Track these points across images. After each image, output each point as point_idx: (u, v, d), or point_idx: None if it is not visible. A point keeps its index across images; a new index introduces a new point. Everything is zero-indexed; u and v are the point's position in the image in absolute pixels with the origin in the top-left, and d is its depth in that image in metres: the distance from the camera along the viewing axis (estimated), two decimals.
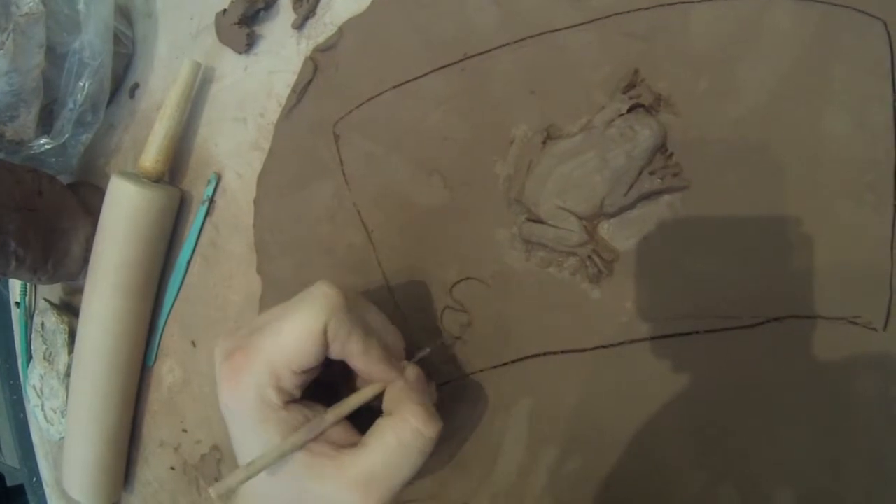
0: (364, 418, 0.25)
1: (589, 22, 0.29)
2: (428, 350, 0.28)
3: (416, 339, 0.31)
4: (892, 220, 0.25)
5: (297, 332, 0.23)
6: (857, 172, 0.25)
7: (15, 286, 0.51)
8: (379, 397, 0.26)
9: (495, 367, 0.30)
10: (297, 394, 0.25)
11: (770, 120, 0.26)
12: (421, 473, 0.26)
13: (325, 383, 0.27)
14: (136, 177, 0.38)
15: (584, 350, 0.28)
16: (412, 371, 0.26)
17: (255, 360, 0.24)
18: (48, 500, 0.51)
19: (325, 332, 0.23)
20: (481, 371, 0.30)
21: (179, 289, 0.40)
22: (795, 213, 0.26)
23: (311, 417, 0.25)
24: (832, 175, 0.25)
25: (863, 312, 0.24)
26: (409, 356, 0.27)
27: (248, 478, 0.23)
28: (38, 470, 0.53)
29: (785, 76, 0.26)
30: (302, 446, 0.24)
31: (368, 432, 0.24)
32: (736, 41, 0.27)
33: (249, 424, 0.24)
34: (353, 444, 0.24)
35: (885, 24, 0.25)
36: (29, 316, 0.49)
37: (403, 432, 0.24)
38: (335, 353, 0.24)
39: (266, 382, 0.24)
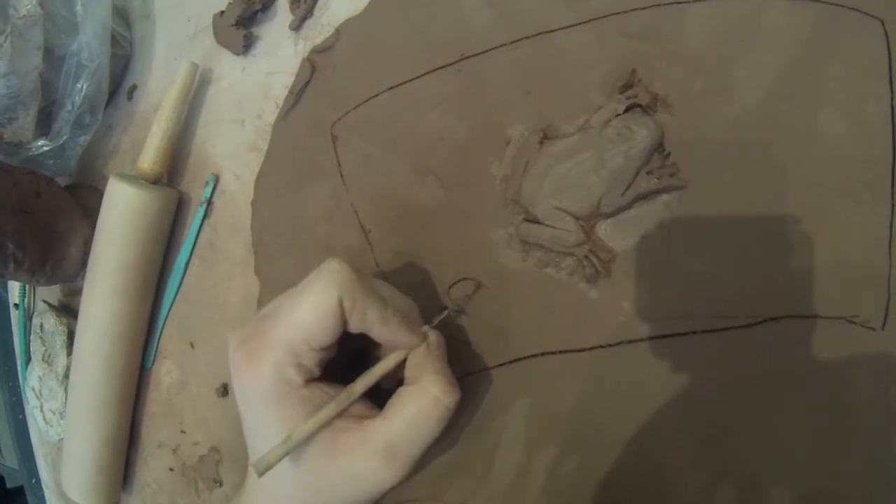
0: (380, 394, 0.26)
1: (585, 22, 0.29)
2: (446, 312, 0.28)
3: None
4: (889, 219, 0.24)
5: (313, 308, 0.23)
6: (855, 172, 0.25)
7: (14, 288, 0.51)
8: (400, 366, 0.26)
9: (493, 367, 0.30)
10: (317, 372, 0.25)
11: (766, 119, 0.26)
12: (420, 470, 0.26)
13: (338, 370, 0.27)
14: (135, 178, 0.38)
15: (581, 350, 0.28)
16: (434, 335, 0.26)
17: (272, 341, 0.24)
18: (47, 502, 0.51)
19: (340, 306, 0.24)
20: (479, 371, 0.30)
21: (178, 290, 0.40)
22: (792, 213, 0.26)
23: (333, 394, 0.25)
24: (829, 174, 0.25)
25: (861, 312, 0.24)
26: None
27: (287, 453, 0.23)
28: (37, 471, 0.53)
29: (781, 75, 0.26)
30: (338, 416, 0.24)
31: (389, 402, 0.25)
32: (732, 41, 0.27)
33: (270, 407, 0.24)
34: (373, 416, 0.25)
35: (882, 23, 0.25)
36: (28, 318, 0.49)
37: (424, 401, 0.24)
38: (355, 324, 0.24)
39: (286, 361, 0.24)
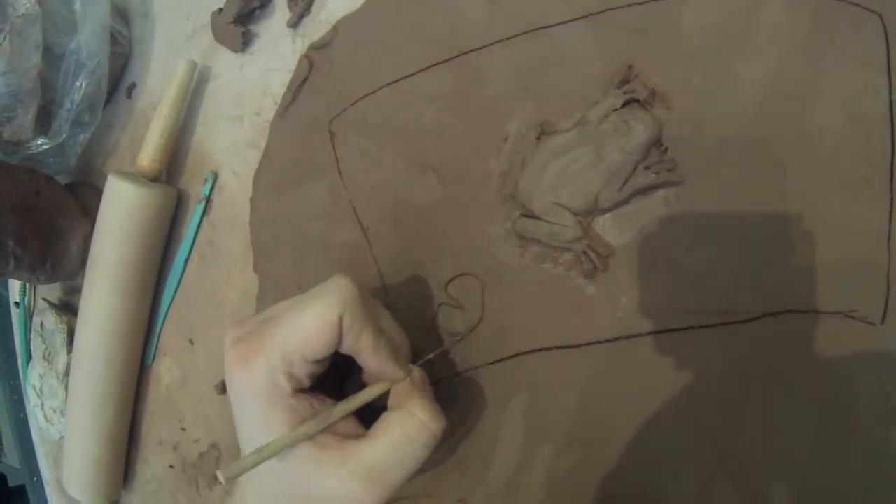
0: (367, 414, 0.26)
1: (582, 17, 0.29)
2: (433, 354, 0.28)
3: (411, 336, 0.31)
4: (888, 213, 0.24)
5: (314, 320, 0.24)
6: (853, 166, 0.25)
7: (14, 286, 0.51)
8: (384, 396, 0.26)
9: (491, 363, 0.30)
10: (307, 383, 0.25)
11: (765, 114, 0.26)
12: (419, 470, 0.26)
13: (328, 382, 0.27)
14: (134, 176, 0.38)
15: (579, 346, 0.28)
16: (417, 373, 0.26)
17: (269, 345, 0.24)
18: (49, 500, 0.52)
19: (339, 323, 0.24)
20: (476, 368, 0.30)
21: (177, 288, 0.40)
22: (791, 208, 0.25)
23: (319, 408, 0.25)
24: (828, 169, 0.25)
25: (860, 307, 0.24)
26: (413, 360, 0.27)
27: (257, 463, 0.23)
28: (38, 470, 0.53)
29: (779, 70, 0.26)
30: (311, 437, 0.24)
31: (375, 425, 0.25)
32: (730, 35, 0.27)
33: (257, 409, 0.24)
34: (359, 437, 0.25)
35: (881, 17, 0.25)
36: (28, 316, 0.49)
37: (410, 426, 0.24)
38: (348, 345, 0.24)
39: (278, 367, 0.24)
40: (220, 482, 0.23)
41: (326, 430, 0.24)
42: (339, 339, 0.24)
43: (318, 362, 0.25)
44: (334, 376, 0.27)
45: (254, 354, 0.24)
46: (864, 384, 0.24)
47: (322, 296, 0.24)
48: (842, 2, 0.25)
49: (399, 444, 0.24)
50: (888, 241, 0.24)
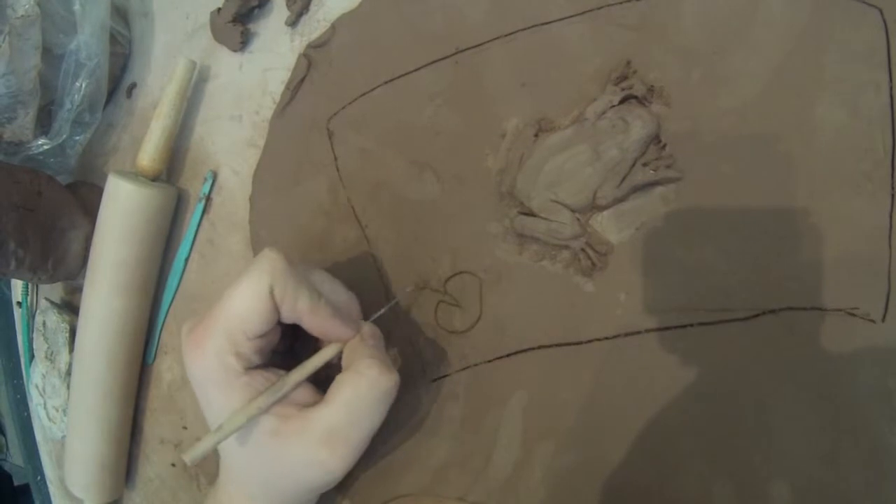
0: (329, 382, 0.26)
1: (580, 14, 0.29)
2: (383, 310, 0.28)
3: (407, 333, 0.31)
4: (889, 209, 0.24)
5: (245, 296, 0.24)
6: (854, 161, 0.25)
7: (17, 286, 0.51)
8: (340, 358, 0.26)
9: (489, 361, 0.30)
10: (257, 359, 0.26)
11: (764, 110, 0.26)
12: (417, 464, 0.26)
13: (291, 360, 0.27)
14: (134, 175, 0.38)
15: (578, 343, 0.28)
16: (368, 328, 0.27)
17: (213, 329, 0.25)
18: (52, 499, 0.52)
19: (271, 294, 0.24)
20: (475, 365, 0.30)
21: (178, 286, 0.40)
22: (790, 204, 0.25)
23: (276, 382, 0.25)
24: (828, 165, 0.25)
25: (861, 304, 0.24)
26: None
27: (218, 442, 0.24)
28: (42, 468, 0.53)
29: (779, 65, 0.26)
30: (267, 409, 0.25)
31: (329, 388, 0.25)
32: (729, 31, 0.27)
33: (214, 392, 0.25)
34: (318, 404, 0.25)
35: (881, 11, 0.25)
36: (31, 315, 0.50)
37: (359, 385, 0.24)
38: (286, 314, 0.25)
39: (225, 349, 0.25)
40: (186, 464, 0.24)
41: (285, 402, 0.25)
42: (275, 310, 0.25)
43: (263, 337, 0.25)
44: (298, 353, 0.28)
45: (203, 340, 0.25)
46: (864, 382, 0.24)
47: (251, 272, 0.25)
48: None
49: (352, 404, 0.24)
50: (889, 237, 0.24)
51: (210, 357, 0.25)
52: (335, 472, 0.25)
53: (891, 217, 0.24)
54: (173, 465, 0.41)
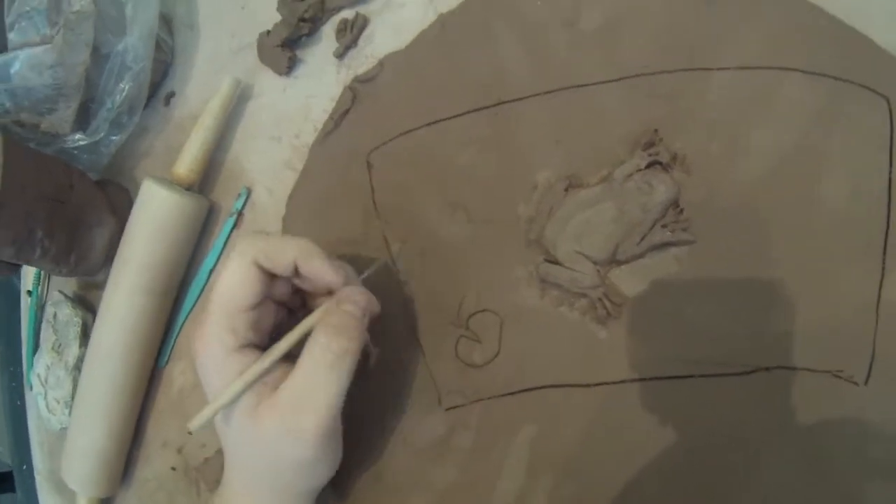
0: None
1: (616, 80, 0.31)
2: (369, 271, 0.29)
3: (428, 363, 0.33)
4: (878, 282, 0.27)
5: (231, 272, 0.26)
6: (851, 237, 0.27)
7: (28, 274, 0.51)
8: None
9: (503, 395, 0.31)
10: (252, 336, 0.27)
11: (774, 184, 0.28)
12: (424, 486, 0.27)
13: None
14: (169, 182, 0.39)
15: (587, 385, 0.30)
16: (346, 292, 0.27)
17: (210, 311, 0.27)
18: (38, 489, 0.51)
19: (255, 265, 0.26)
20: (489, 398, 0.31)
21: (199, 295, 0.41)
22: (790, 273, 0.28)
23: (269, 350, 0.27)
24: (828, 238, 0.27)
25: (846, 367, 0.26)
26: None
27: (217, 411, 0.26)
28: (30, 457, 0.53)
29: (792, 144, 0.28)
30: (263, 374, 0.26)
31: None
32: (751, 108, 0.29)
33: (214, 372, 0.27)
34: None
35: (888, 101, 0.27)
36: (40, 306, 0.50)
37: (313, 351, 0.25)
38: (281, 268, 0.27)
39: (221, 326, 0.26)
40: (189, 432, 0.26)
41: (262, 382, 0.26)
42: (263, 279, 0.27)
43: (255, 309, 0.27)
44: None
45: (203, 326, 0.27)
46: (844, 441, 0.26)
47: (232, 252, 0.27)
48: (854, 84, 0.28)
49: (311, 370, 0.25)
50: (877, 309, 0.27)
51: (211, 338, 0.26)
52: (307, 439, 0.25)
53: (880, 289, 0.27)
54: (173, 468, 0.42)
